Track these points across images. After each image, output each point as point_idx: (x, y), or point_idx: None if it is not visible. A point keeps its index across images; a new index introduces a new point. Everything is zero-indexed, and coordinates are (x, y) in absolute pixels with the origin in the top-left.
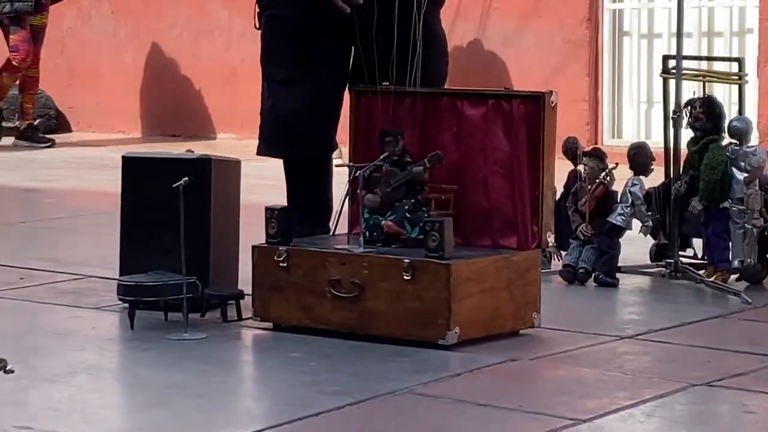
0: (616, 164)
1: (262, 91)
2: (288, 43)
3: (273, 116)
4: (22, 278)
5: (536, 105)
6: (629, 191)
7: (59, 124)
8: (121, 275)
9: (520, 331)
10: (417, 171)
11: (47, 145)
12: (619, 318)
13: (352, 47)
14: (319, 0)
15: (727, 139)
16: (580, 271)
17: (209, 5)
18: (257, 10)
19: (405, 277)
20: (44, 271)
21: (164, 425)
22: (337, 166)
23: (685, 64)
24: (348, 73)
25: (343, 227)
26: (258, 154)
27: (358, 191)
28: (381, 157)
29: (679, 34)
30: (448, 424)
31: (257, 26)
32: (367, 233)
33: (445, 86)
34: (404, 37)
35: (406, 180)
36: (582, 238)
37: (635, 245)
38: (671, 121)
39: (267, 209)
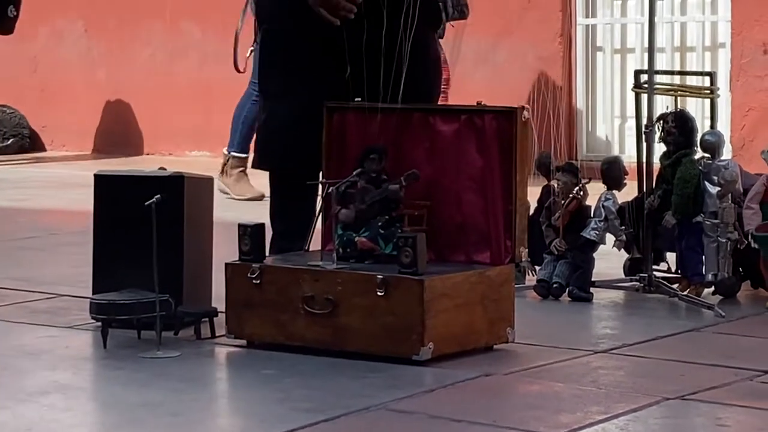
0: (590, 179)
1: (258, 105)
2: (282, 58)
3: (265, 129)
4: None
5: (509, 120)
6: (602, 206)
7: (33, 143)
8: (93, 293)
9: (495, 346)
10: (393, 190)
11: None
12: (593, 332)
13: (348, 63)
14: (313, 15)
15: (699, 153)
16: (554, 285)
17: (183, 24)
18: (256, 25)
19: (378, 293)
20: (16, 290)
21: None
22: (308, 183)
23: (658, 78)
24: (342, 89)
25: (317, 244)
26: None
27: (333, 207)
28: (355, 173)
29: (651, 49)
30: None
31: (256, 40)
32: (340, 249)
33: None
34: (392, 54)
35: (381, 198)
36: (556, 252)
37: (609, 260)
38: (644, 136)
39: (240, 226)
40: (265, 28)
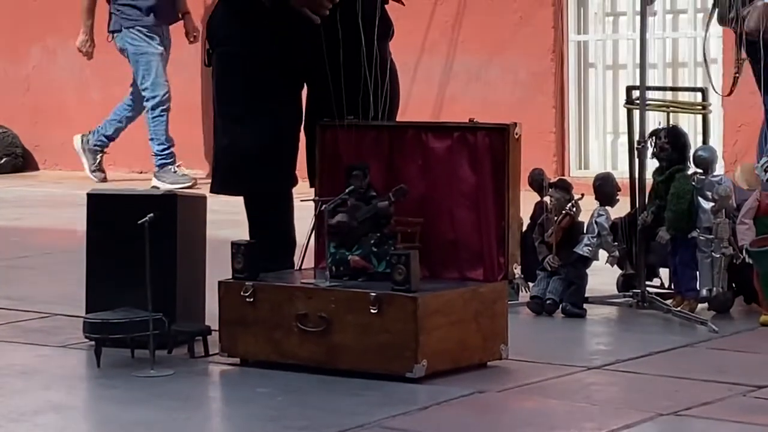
0: (582, 195)
1: (215, 128)
2: (241, 80)
3: (228, 153)
4: None
5: (501, 137)
6: (595, 222)
7: (26, 162)
8: (87, 313)
9: (488, 363)
10: (382, 206)
11: None
12: (587, 348)
13: (304, 82)
14: (271, 36)
15: (692, 169)
16: (548, 302)
17: (174, 40)
18: (207, 47)
19: (372, 311)
20: (10, 309)
21: None
22: (302, 200)
23: (650, 94)
24: (302, 108)
25: (309, 262)
26: (212, 191)
27: (325, 224)
28: (346, 191)
29: (643, 65)
30: None
31: (207, 63)
32: (333, 268)
33: (411, 119)
34: (355, 69)
35: (371, 215)
36: (549, 269)
37: (602, 276)
38: (636, 152)
39: (233, 244)
40: (219, 52)
